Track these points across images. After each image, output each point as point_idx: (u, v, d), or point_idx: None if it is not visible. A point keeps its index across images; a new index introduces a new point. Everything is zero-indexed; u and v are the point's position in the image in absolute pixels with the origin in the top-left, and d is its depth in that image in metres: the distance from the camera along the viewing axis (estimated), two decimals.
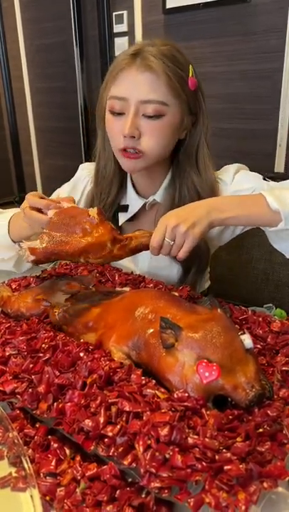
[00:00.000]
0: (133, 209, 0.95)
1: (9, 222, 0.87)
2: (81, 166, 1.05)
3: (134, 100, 0.78)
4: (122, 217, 0.96)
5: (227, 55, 1.62)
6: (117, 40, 1.98)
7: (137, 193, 0.95)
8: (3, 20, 2.68)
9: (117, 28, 1.96)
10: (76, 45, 2.22)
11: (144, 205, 0.94)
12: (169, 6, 1.70)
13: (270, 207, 0.70)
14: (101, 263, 0.71)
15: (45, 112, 2.67)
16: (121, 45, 1.97)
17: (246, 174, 0.89)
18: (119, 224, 0.96)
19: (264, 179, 0.87)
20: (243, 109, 1.64)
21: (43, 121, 2.72)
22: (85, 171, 1.02)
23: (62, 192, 1.02)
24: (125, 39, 1.95)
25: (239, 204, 0.73)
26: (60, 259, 0.71)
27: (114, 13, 1.95)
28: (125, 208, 0.95)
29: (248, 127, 1.64)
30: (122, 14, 1.91)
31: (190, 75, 0.81)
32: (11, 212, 0.91)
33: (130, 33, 1.93)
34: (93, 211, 0.68)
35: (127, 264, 0.97)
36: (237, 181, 0.88)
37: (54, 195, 1.02)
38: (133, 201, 0.95)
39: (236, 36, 1.58)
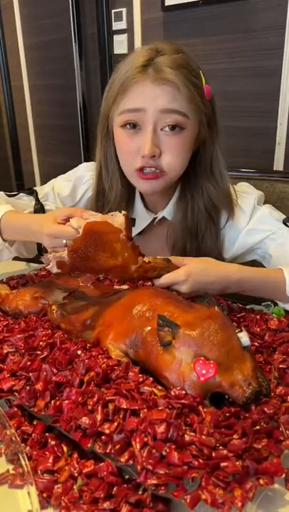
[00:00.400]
0: (141, 224, 0.91)
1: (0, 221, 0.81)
2: (84, 167, 0.98)
3: (153, 110, 0.72)
4: None
5: (226, 52, 1.62)
6: (116, 38, 1.98)
7: (146, 206, 0.91)
8: (1, 17, 2.67)
9: (116, 26, 1.95)
10: (75, 42, 2.21)
11: (153, 220, 0.91)
12: (168, 3, 1.70)
13: (286, 293, 0.71)
14: (118, 279, 0.70)
15: (44, 109, 2.66)
16: (120, 42, 1.96)
17: (269, 214, 0.85)
18: None
19: (284, 223, 0.84)
20: (243, 106, 1.63)
21: (42, 119, 2.71)
22: (89, 174, 0.95)
23: (57, 186, 0.96)
24: (124, 36, 1.95)
25: (260, 285, 0.72)
26: (83, 272, 0.69)
27: (113, 11, 1.94)
28: (132, 222, 0.88)
29: (247, 125, 1.64)
30: (121, 11, 1.91)
31: (203, 82, 0.77)
32: None
33: (129, 30, 1.92)
34: (121, 225, 0.62)
35: None
36: (258, 219, 0.85)
37: (49, 185, 0.97)
38: (141, 215, 0.91)
39: (236, 33, 1.57)
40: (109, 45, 2.01)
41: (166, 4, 1.70)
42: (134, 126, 0.75)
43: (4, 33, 2.70)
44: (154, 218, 0.91)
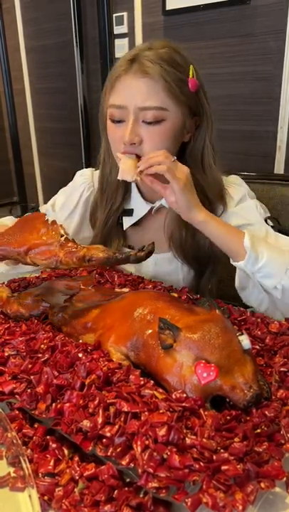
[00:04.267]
0: (139, 214, 0.93)
1: None
2: (78, 173, 1.03)
3: (133, 107, 0.78)
4: (127, 222, 0.94)
5: (227, 56, 1.63)
6: (117, 42, 1.99)
7: (143, 197, 0.93)
8: (3, 21, 2.69)
9: (118, 30, 1.96)
10: (76, 45, 2.22)
11: (151, 209, 0.92)
12: (168, 7, 1.71)
13: (243, 244, 0.72)
14: (47, 266, 0.71)
15: (45, 112, 2.68)
16: (121, 46, 1.98)
17: (255, 207, 0.87)
18: (124, 228, 0.94)
19: (265, 221, 0.86)
20: (243, 110, 1.64)
21: (43, 122, 2.73)
22: (82, 178, 1.01)
23: (58, 199, 1.03)
24: (125, 40, 1.96)
25: (221, 223, 0.76)
26: (8, 257, 0.75)
27: (114, 15, 1.96)
28: (130, 212, 0.93)
29: (247, 129, 1.65)
30: (122, 16, 1.92)
31: (190, 76, 0.80)
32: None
33: (130, 34, 1.93)
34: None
35: (129, 269, 0.96)
36: (243, 207, 0.86)
37: (51, 201, 1.03)
38: (138, 205, 0.93)
39: (236, 38, 1.58)
40: (111, 49, 2.02)
41: (167, 8, 1.72)
42: (118, 121, 0.81)
43: (6, 37, 2.71)
44: (152, 208, 0.92)
